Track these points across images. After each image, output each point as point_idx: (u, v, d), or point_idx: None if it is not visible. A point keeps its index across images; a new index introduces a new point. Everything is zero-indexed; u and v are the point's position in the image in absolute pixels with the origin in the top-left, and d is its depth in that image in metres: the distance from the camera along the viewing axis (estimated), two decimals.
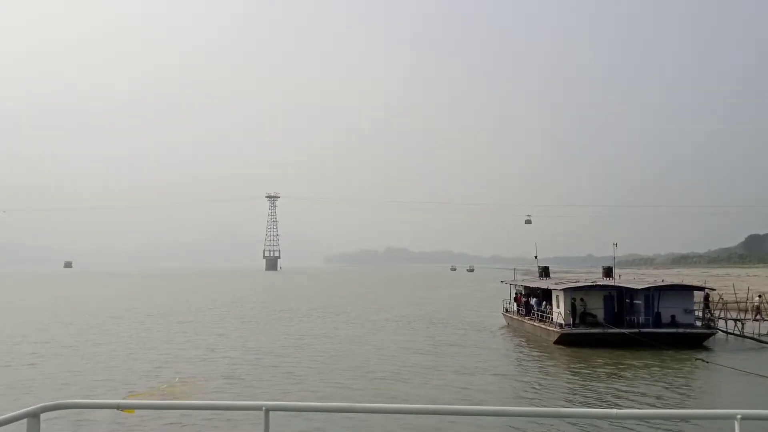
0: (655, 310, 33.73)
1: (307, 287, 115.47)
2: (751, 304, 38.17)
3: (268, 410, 4.22)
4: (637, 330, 32.19)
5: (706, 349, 31.67)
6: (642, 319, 33.49)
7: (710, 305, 36.83)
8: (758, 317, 36.33)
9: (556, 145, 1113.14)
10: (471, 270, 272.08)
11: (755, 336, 34.40)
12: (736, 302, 38.31)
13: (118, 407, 4.51)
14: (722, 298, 38.69)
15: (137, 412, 6.84)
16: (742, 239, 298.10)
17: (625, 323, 33.44)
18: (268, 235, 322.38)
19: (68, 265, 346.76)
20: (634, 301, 34.65)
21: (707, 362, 27.09)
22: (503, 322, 45.51)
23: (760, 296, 38.93)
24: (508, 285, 47.84)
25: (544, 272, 46.18)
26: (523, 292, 43.45)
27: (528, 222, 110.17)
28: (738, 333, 35.65)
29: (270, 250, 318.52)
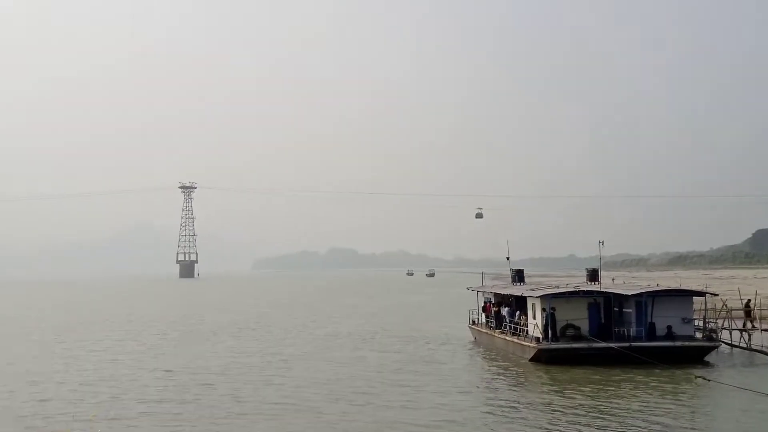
0: (649, 319, 34.49)
1: (230, 297, 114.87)
2: (745, 309, 38.54)
3: None
4: (627, 344, 32.92)
5: (708, 365, 32.43)
6: (633, 330, 34.23)
7: (712, 313, 37.92)
8: (751, 326, 36.96)
9: (529, 121, 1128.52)
10: (431, 275, 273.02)
11: (764, 349, 35.18)
12: (743, 309, 39.17)
13: None
14: (726, 305, 39.01)
15: None
16: (749, 235, 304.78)
17: (613, 336, 34.15)
18: (183, 234, 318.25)
19: None
20: (624, 310, 35.46)
21: (709, 380, 27.60)
22: (470, 335, 46.43)
23: (749, 300, 39.76)
24: (475, 292, 48.76)
25: (518, 276, 46.85)
26: (492, 300, 44.25)
27: (479, 216, 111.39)
28: (744, 345, 36.47)
29: (185, 253, 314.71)
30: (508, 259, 49.30)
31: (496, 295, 44.16)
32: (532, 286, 42.78)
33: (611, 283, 43.17)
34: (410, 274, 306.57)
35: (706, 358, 33.42)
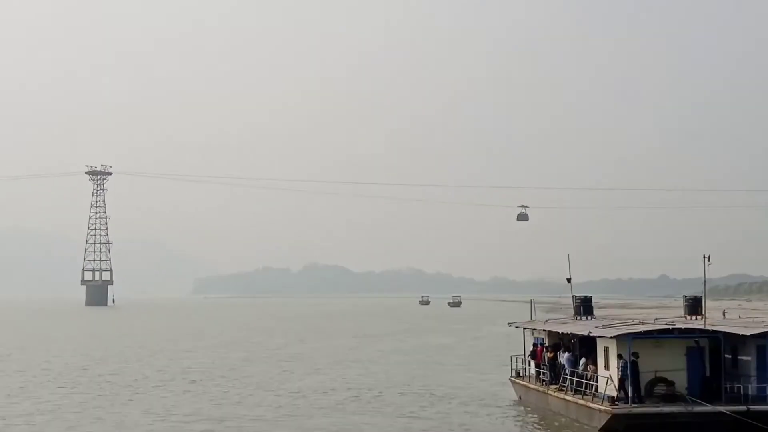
0: None
1: (153, 335, 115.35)
2: None
3: None
4: (744, 407, 33.14)
5: None
6: (753, 388, 34.57)
7: None
8: None
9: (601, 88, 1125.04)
10: (456, 303, 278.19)
11: None
12: None
13: None
14: None
15: None
16: None
17: (723, 396, 34.53)
18: (92, 242, 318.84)
19: None
20: (740, 357, 35.89)
21: None
22: (512, 393, 47.20)
23: None
24: (521, 329, 49.41)
25: (584, 307, 47.16)
26: (546, 342, 44.82)
27: (523, 217, 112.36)
28: None
29: (95, 270, 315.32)
30: (569, 281, 49.28)
31: (551, 334, 44.60)
32: (605, 322, 43.32)
33: (721, 317, 43.35)
34: (425, 302, 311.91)
35: None
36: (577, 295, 47.72)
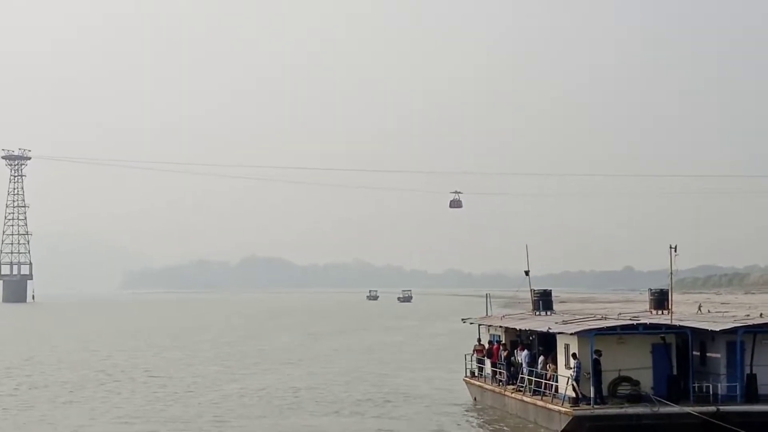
0: (747, 370, 35.03)
1: (79, 334, 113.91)
2: None
3: None
4: (714, 408, 33.44)
5: None
6: (722, 387, 34.80)
7: None
8: None
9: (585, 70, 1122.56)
10: (407, 298, 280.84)
11: None
12: None
13: None
14: None
15: None
16: None
17: (691, 395, 34.86)
18: (9, 233, 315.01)
19: None
20: (709, 355, 36.18)
21: None
22: (467, 395, 47.25)
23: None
24: (476, 326, 49.66)
25: (543, 301, 47.87)
26: (503, 339, 44.87)
27: (456, 205, 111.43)
28: None
29: (12, 264, 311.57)
30: (527, 273, 49.87)
31: (508, 331, 44.69)
32: (565, 317, 43.48)
33: (690, 312, 43.69)
34: (373, 297, 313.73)
35: None
36: (535, 288, 48.22)
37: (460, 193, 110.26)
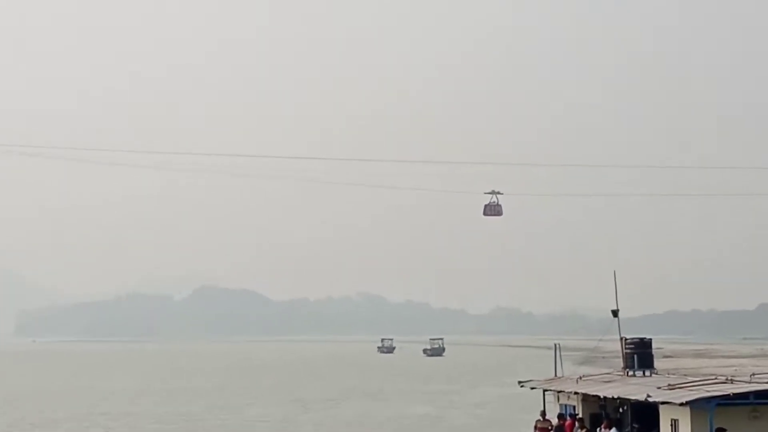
0: None
1: None
2: None
3: None
4: None
5: None
6: None
7: None
8: None
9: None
10: (436, 350, 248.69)
11: None
12: None
13: None
14: None
15: None
16: None
17: None
18: None
19: None
20: None
21: None
22: None
23: None
24: (540, 391, 47.26)
25: (639, 356, 44.14)
26: (579, 412, 42.20)
27: (494, 212, 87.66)
28: None
29: None
30: (615, 314, 46.86)
31: (587, 399, 41.74)
32: (672, 380, 39.54)
33: None
34: (387, 349, 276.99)
35: None
36: (628, 337, 45.06)
37: (498, 193, 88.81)
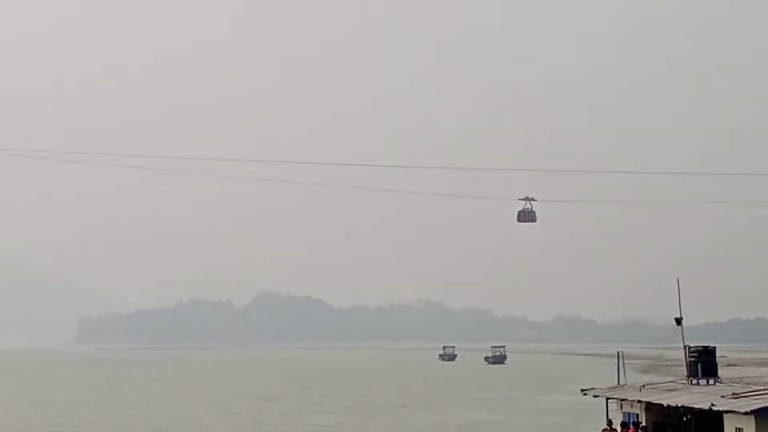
0: None
1: None
2: None
3: None
4: None
5: None
6: None
7: None
8: None
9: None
10: (498, 358, 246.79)
11: None
12: None
13: None
14: None
15: None
16: None
17: None
18: None
19: None
20: None
21: None
22: None
23: None
24: (604, 400, 47.61)
25: (703, 364, 43.90)
26: (643, 420, 42.31)
27: (528, 218, 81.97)
28: None
29: None
30: (678, 322, 46.52)
31: (651, 408, 41.62)
32: (737, 388, 40.06)
33: None
34: (449, 356, 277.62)
35: None
36: (691, 345, 45.34)
37: (532, 200, 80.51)
